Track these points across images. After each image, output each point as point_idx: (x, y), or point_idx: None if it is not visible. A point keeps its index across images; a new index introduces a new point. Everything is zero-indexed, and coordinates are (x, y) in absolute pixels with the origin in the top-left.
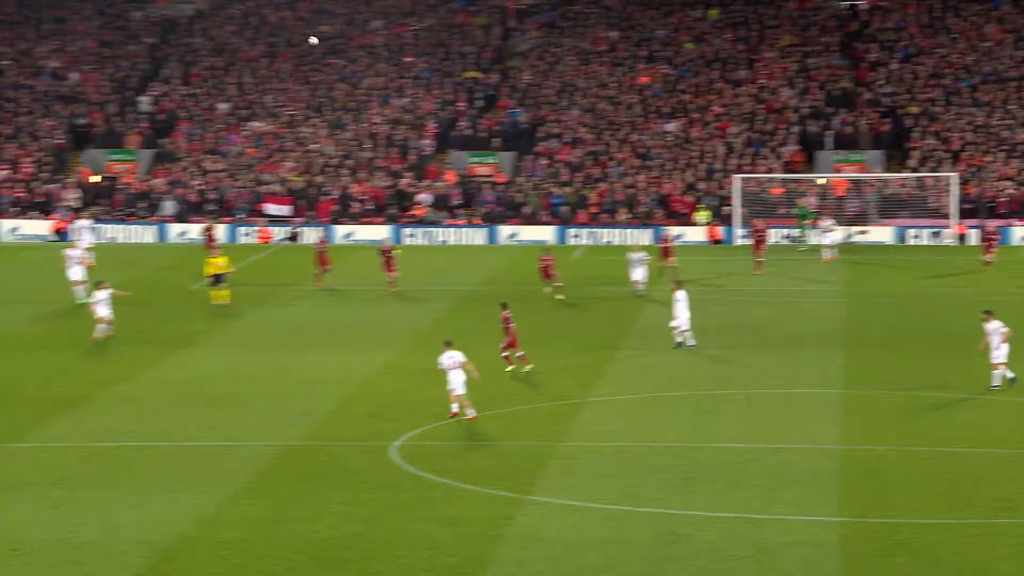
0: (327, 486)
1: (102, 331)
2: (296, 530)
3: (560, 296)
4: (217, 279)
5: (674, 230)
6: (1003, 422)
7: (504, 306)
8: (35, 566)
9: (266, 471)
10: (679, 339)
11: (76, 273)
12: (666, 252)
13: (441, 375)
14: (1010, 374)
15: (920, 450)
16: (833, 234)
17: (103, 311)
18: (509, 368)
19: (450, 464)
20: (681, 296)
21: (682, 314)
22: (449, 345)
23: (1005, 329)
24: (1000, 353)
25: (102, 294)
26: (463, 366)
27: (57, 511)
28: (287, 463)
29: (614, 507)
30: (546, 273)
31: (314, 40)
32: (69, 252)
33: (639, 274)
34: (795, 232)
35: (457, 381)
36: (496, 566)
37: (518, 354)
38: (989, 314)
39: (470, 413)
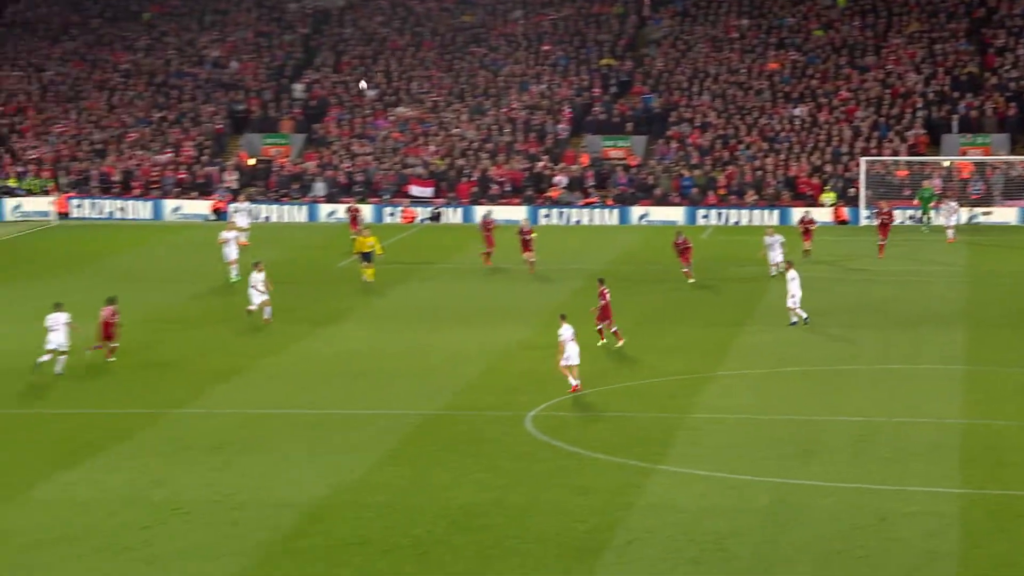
0: (466, 455)
1: (255, 309)
2: (436, 496)
3: (691, 280)
4: (366, 257)
5: (808, 213)
6: None
7: (601, 281)
8: (194, 525)
9: (408, 440)
10: (795, 318)
11: (231, 253)
12: (806, 234)
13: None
14: None
15: None
16: (955, 215)
17: (258, 292)
18: (601, 342)
19: (582, 434)
20: (793, 275)
21: (796, 292)
22: (564, 319)
23: None
24: None
25: (258, 276)
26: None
27: (214, 474)
28: (428, 432)
29: (740, 477)
30: (684, 256)
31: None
32: (224, 234)
33: (776, 256)
34: (917, 213)
35: (573, 352)
36: (626, 532)
37: (612, 329)
38: None
39: (573, 382)
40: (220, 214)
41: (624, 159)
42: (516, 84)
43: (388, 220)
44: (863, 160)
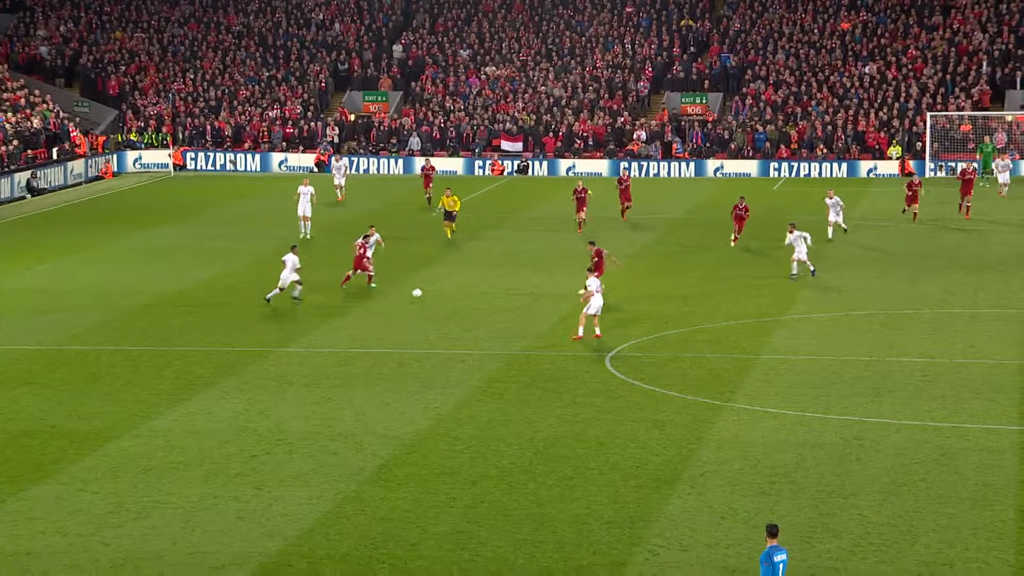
0: (548, 391)
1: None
2: (521, 429)
3: (732, 244)
4: (448, 216)
5: (914, 176)
6: None
7: (592, 243)
8: (297, 454)
9: (495, 377)
10: (796, 269)
11: (304, 208)
12: (913, 197)
13: (653, 296)
14: None
15: None
16: (1008, 170)
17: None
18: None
19: (658, 374)
20: (796, 236)
21: (800, 249)
22: (591, 272)
23: None
24: None
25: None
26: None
27: (316, 407)
28: (514, 370)
29: (807, 414)
30: (739, 222)
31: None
32: (302, 188)
33: (834, 216)
34: (976, 166)
35: (597, 304)
36: (698, 464)
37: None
38: None
39: (581, 331)
40: (322, 166)
41: (701, 115)
42: (600, 44)
43: (478, 173)
44: (929, 115)
